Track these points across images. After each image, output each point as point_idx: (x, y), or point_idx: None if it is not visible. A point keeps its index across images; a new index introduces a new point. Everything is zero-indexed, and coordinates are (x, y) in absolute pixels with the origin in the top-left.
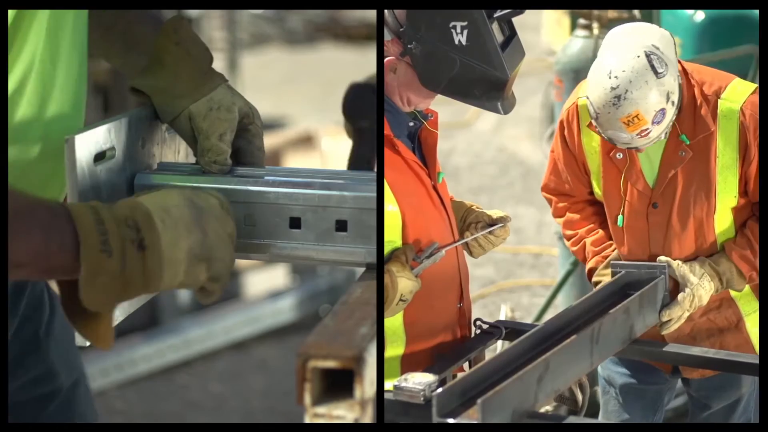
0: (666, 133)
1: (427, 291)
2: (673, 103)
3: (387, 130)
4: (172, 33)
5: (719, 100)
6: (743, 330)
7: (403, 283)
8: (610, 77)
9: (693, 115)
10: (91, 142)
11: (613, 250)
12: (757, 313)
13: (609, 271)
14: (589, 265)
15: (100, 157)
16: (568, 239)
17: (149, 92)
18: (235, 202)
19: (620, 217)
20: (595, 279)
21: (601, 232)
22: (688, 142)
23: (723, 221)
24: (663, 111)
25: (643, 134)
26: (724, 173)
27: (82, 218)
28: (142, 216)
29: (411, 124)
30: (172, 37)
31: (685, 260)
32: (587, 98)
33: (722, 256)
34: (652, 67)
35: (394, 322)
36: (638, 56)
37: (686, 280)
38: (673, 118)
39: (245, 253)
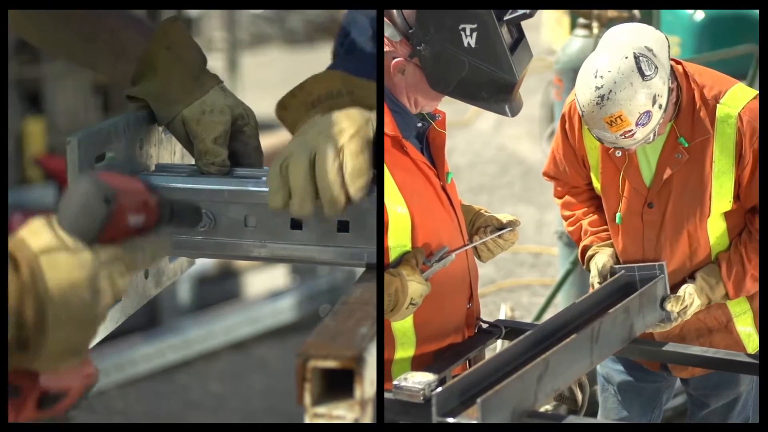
0: (654, 134)
1: (438, 293)
2: (660, 106)
3: (395, 131)
4: (163, 37)
5: (718, 105)
6: (733, 330)
7: (414, 286)
8: (596, 76)
9: (692, 118)
10: (90, 143)
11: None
12: (746, 314)
13: (606, 249)
14: (584, 242)
15: (100, 158)
16: (566, 219)
17: (145, 98)
18: (235, 203)
19: (618, 214)
20: (590, 253)
21: (597, 215)
22: (686, 145)
23: (716, 227)
24: (648, 113)
25: (627, 135)
26: (721, 178)
27: None
28: None
29: (419, 124)
30: (162, 42)
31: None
32: (575, 95)
33: (713, 272)
34: (639, 69)
35: (404, 323)
36: (626, 57)
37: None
38: (660, 121)
39: (245, 254)
